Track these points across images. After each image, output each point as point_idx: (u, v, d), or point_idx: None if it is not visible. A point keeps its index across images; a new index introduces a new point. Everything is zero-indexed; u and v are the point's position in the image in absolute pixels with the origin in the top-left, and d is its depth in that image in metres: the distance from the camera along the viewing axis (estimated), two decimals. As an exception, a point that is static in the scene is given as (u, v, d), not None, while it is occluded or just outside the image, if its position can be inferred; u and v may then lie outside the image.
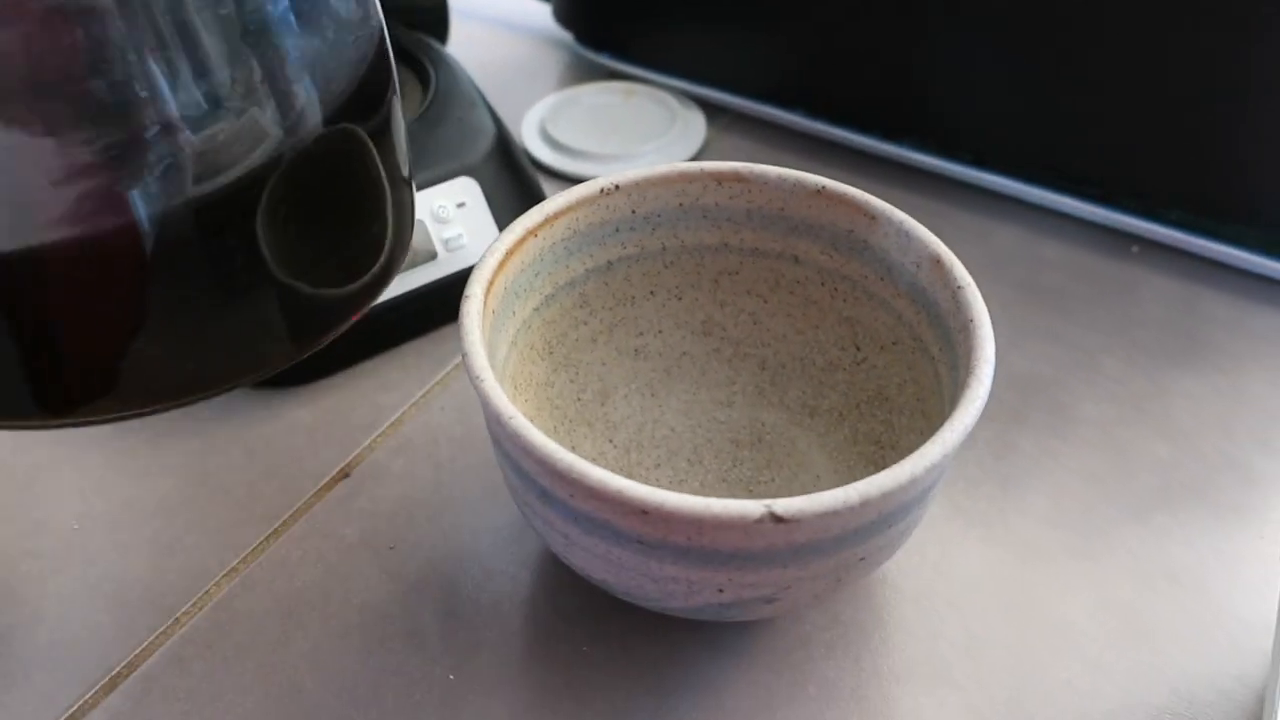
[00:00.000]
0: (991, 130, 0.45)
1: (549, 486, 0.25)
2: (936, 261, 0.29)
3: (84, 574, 0.31)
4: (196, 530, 0.32)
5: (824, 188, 0.31)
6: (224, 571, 0.31)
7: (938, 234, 0.44)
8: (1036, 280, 0.42)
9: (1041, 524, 0.33)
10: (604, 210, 0.32)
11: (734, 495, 0.33)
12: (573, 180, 0.47)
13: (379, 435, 0.35)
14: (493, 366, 0.28)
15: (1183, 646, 0.30)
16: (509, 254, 0.29)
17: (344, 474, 0.34)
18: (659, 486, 0.33)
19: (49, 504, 0.33)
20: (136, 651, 0.29)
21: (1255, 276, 0.42)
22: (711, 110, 0.51)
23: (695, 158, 0.48)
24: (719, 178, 0.32)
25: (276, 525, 0.33)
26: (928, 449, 0.24)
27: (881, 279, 0.31)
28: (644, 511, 0.23)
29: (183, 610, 0.30)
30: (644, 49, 0.52)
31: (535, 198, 0.41)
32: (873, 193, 0.47)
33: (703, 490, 0.33)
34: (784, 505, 0.23)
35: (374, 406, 0.36)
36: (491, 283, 0.28)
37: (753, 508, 0.23)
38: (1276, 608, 0.30)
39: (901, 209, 0.46)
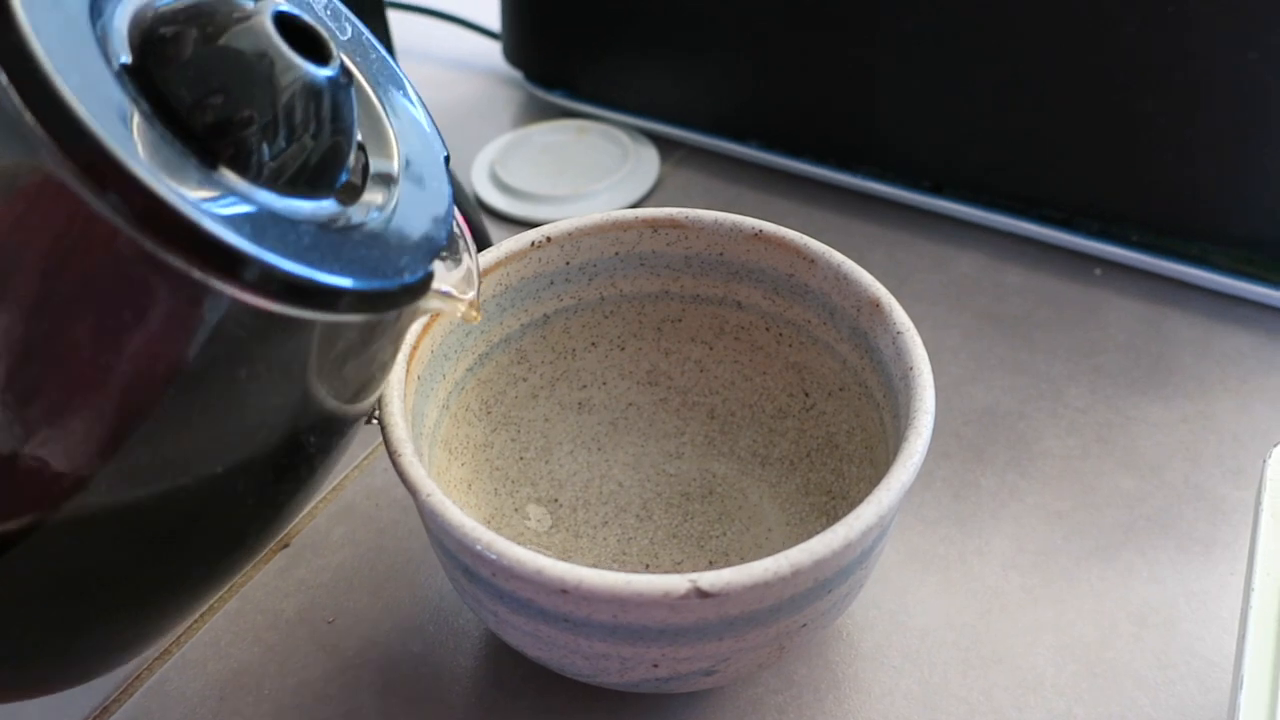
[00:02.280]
0: (949, 157, 0.44)
1: (471, 565, 0.24)
2: (876, 305, 0.28)
3: (11, 663, 0.30)
4: (129, 611, 0.31)
5: (761, 231, 0.30)
6: (156, 654, 0.30)
7: (897, 263, 0.43)
8: (999, 308, 0.41)
9: (1003, 567, 0.32)
10: (536, 263, 0.31)
11: (685, 550, 0.32)
12: (524, 224, 0.46)
13: (320, 501, 0.34)
14: (420, 434, 0.27)
15: (1150, 692, 0.28)
16: (433, 317, 0.28)
17: (283, 544, 0.33)
18: (607, 545, 0.32)
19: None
20: (64, 744, 0.28)
21: (1221, 295, 0.41)
22: (665, 145, 0.50)
23: (649, 194, 0.48)
24: (654, 224, 0.31)
25: (212, 601, 0.32)
26: (863, 510, 0.23)
27: (825, 323, 0.30)
28: (564, 590, 0.22)
29: (112, 698, 0.29)
30: (595, 86, 0.51)
31: (483, 246, 0.41)
32: (831, 223, 0.46)
33: (653, 547, 0.32)
34: (710, 579, 0.22)
35: (316, 471, 0.35)
36: (415, 347, 0.27)
37: (676, 583, 0.22)
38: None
39: (861, 238, 0.45)
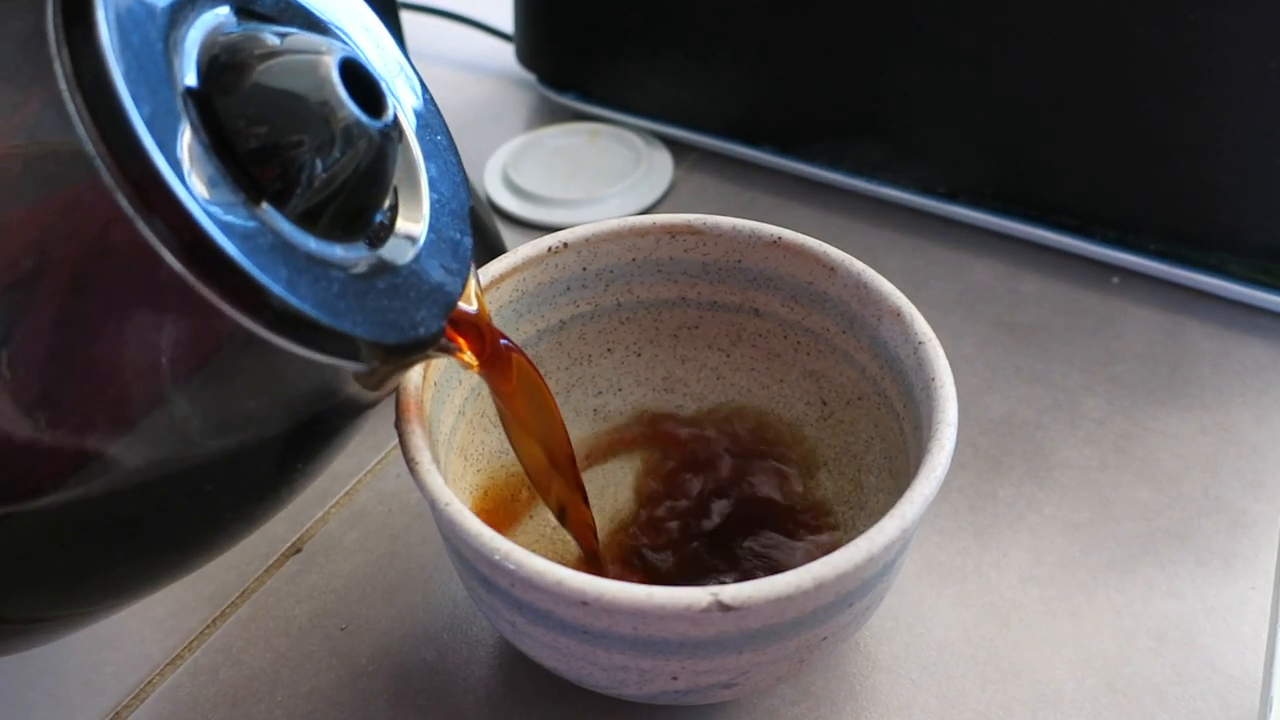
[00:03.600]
0: (965, 163, 0.44)
1: (489, 575, 0.23)
2: (897, 314, 0.28)
3: (21, 669, 0.30)
4: (140, 616, 0.31)
5: (780, 238, 0.30)
6: (168, 660, 0.30)
7: (912, 270, 0.43)
8: (1015, 316, 0.41)
9: (1020, 579, 0.31)
10: (553, 269, 0.31)
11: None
12: (537, 228, 0.46)
13: (333, 505, 0.34)
14: (436, 441, 0.27)
15: (1170, 708, 0.28)
16: (450, 322, 0.28)
17: (295, 549, 0.33)
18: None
19: (-12, 592, 0.32)
20: (75, 750, 0.28)
21: (1240, 305, 0.40)
22: (679, 149, 0.50)
23: (663, 198, 0.47)
24: (672, 230, 0.31)
25: (224, 607, 0.31)
26: (886, 524, 0.23)
27: (844, 332, 0.30)
28: (584, 602, 0.22)
29: (123, 704, 0.29)
30: (608, 89, 0.51)
31: (495, 251, 0.40)
32: (846, 228, 0.46)
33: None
34: (732, 593, 0.21)
35: (328, 475, 0.35)
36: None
37: (699, 596, 0.21)
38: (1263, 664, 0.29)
39: (875, 245, 0.45)
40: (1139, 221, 0.41)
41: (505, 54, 0.56)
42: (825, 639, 0.24)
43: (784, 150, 0.47)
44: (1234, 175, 0.39)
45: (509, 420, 0.28)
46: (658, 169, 0.48)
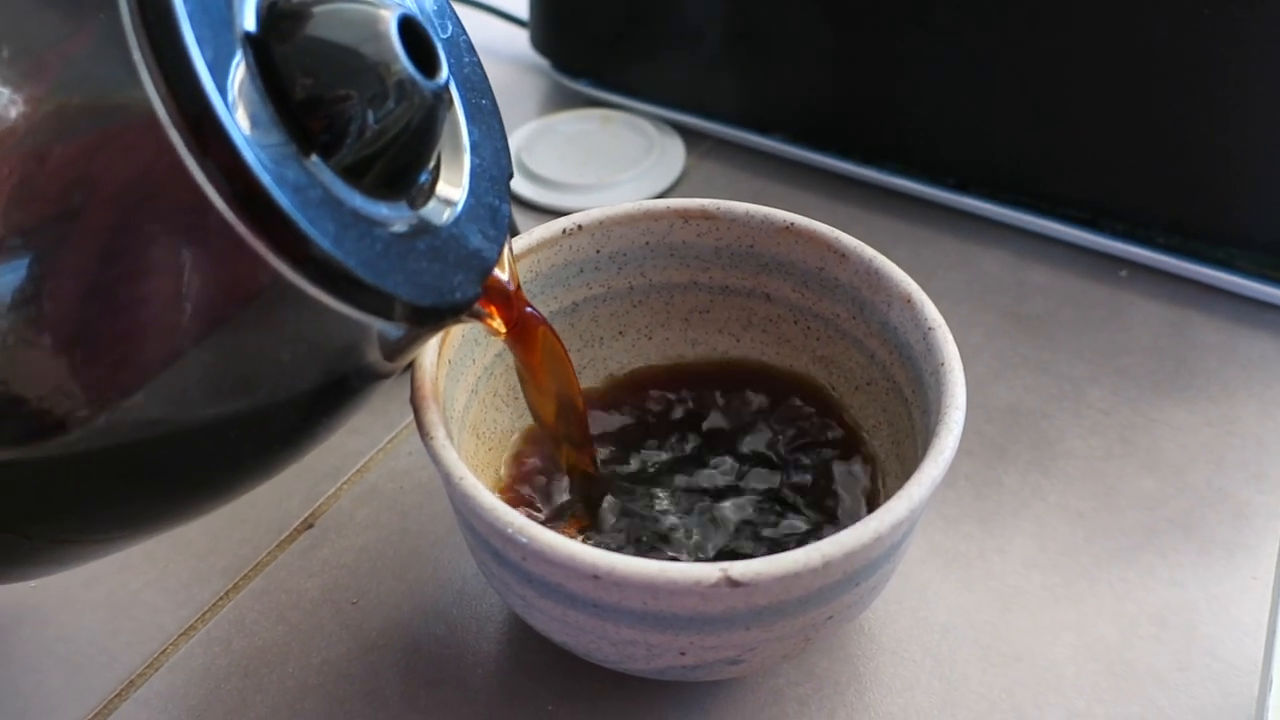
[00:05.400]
0: (975, 154, 0.44)
1: (501, 548, 0.24)
2: (908, 301, 0.28)
3: (37, 635, 0.30)
4: (154, 587, 0.31)
5: (792, 224, 0.30)
6: (181, 630, 0.30)
7: (921, 260, 0.43)
8: (1022, 307, 0.41)
9: (1024, 565, 0.32)
10: (567, 251, 0.31)
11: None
12: (550, 212, 0.46)
13: (345, 482, 0.35)
14: (450, 418, 0.27)
15: (1170, 694, 0.29)
16: (465, 301, 0.28)
17: (307, 525, 0.33)
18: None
19: (4, 561, 0.32)
20: (89, 716, 0.28)
21: (1247, 300, 0.41)
22: (690, 137, 0.50)
23: (674, 185, 0.48)
24: (685, 215, 0.31)
25: (237, 579, 0.32)
26: (893, 504, 0.23)
27: (854, 318, 0.30)
28: (595, 576, 0.22)
29: (137, 672, 0.29)
30: (622, 75, 0.51)
31: (510, 233, 0.40)
32: (855, 218, 0.46)
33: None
34: (741, 568, 0.22)
35: (340, 452, 0.35)
36: (447, 332, 0.28)
37: (708, 571, 0.22)
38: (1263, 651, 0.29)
39: (884, 234, 0.45)
40: (1148, 215, 0.42)
41: (520, 40, 0.56)
42: (831, 618, 0.24)
43: (795, 140, 0.48)
44: (1243, 170, 0.39)
45: (528, 384, 0.28)
46: (670, 156, 0.48)
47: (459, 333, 0.28)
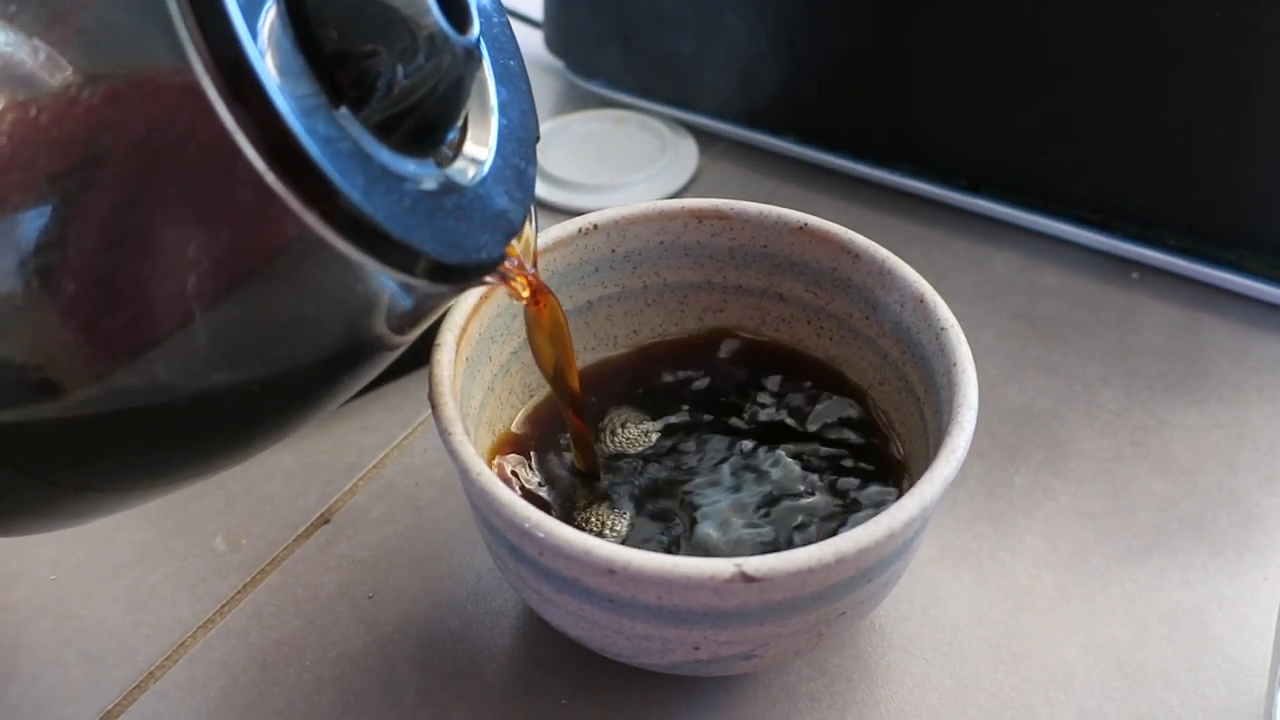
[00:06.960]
0: (988, 156, 0.44)
1: (518, 543, 0.24)
2: (920, 301, 0.28)
3: (58, 628, 0.31)
4: (173, 581, 0.32)
5: (806, 224, 0.31)
6: (200, 623, 0.31)
7: (933, 261, 0.43)
8: (1034, 309, 0.41)
9: (1035, 565, 0.32)
10: (582, 250, 0.31)
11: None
12: (563, 212, 0.46)
13: (360, 478, 0.35)
14: (466, 414, 0.27)
15: (1180, 694, 0.29)
16: (483, 299, 0.29)
17: (324, 520, 0.34)
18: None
19: (24, 554, 0.33)
20: (109, 707, 0.29)
21: (1258, 303, 0.41)
22: (704, 137, 0.50)
23: (687, 186, 0.48)
24: (700, 215, 0.32)
25: (255, 574, 0.32)
26: (905, 502, 0.23)
27: (866, 317, 0.31)
28: (611, 570, 0.22)
29: (157, 664, 0.30)
30: (635, 76, 0.51)
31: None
32: (868, 219, 0.47)
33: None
34: (755, 564, 0.22)
35: (356, 449, 0.36)
36: (464, 329, 0.28)
37: (723, 566, 0.22)
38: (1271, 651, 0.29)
39: (897, 236, 0.46)
40: (1160, 217, 0.42)
41: (534, 40, 0.57)
42: (844, 613, 0.25)
43: (808, 141, 0.48)
44: (1255, 173, 0.39)
45: (534, 339, 0.28)
46: (683, 156, 0.49)
47: (475, 331, 0.28)
